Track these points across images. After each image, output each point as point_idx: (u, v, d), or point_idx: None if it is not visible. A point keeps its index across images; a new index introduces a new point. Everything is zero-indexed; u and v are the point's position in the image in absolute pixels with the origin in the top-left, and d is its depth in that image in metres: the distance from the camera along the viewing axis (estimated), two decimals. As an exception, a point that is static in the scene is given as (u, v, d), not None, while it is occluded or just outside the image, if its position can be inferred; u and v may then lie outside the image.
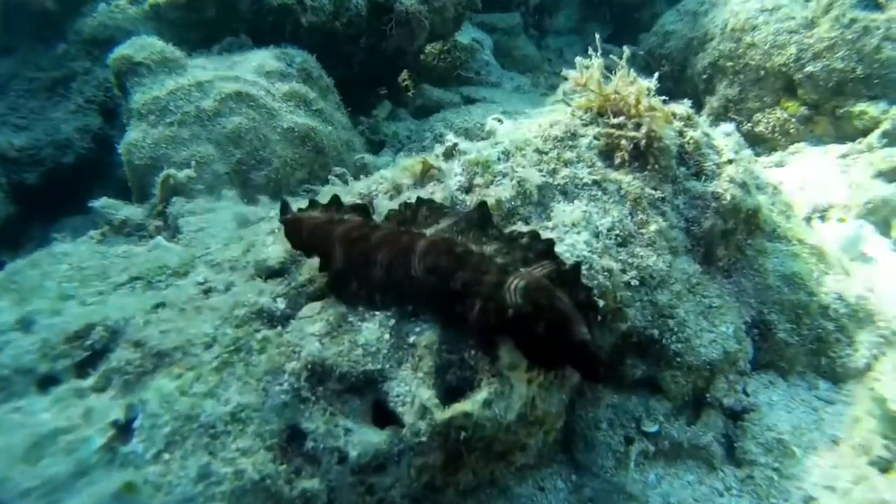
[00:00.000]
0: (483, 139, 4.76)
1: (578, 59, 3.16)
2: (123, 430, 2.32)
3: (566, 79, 3.21)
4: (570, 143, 3.04)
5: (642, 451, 2.95)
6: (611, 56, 3.06)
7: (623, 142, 3.00)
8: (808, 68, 5.35)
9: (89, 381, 2.60)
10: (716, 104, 6.03)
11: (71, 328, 2.77)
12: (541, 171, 2.94)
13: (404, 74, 7.44)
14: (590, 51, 3.14)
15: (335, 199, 2.68)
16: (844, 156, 5.14)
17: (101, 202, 4.12)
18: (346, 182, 4.55)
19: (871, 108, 5.19)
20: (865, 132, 5.23)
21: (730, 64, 5.89)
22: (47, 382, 2.68)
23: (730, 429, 3.11)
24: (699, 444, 2.99)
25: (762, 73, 5.67)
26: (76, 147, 5.51)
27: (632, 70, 3.00)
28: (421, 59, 7.42)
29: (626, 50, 3.06)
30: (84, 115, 5.60)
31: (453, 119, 5.75)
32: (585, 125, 3.14)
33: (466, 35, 7.59)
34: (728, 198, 3.10)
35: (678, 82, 6.66)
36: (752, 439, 3.02)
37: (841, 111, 5.34)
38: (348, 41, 5.83)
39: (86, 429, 2.36)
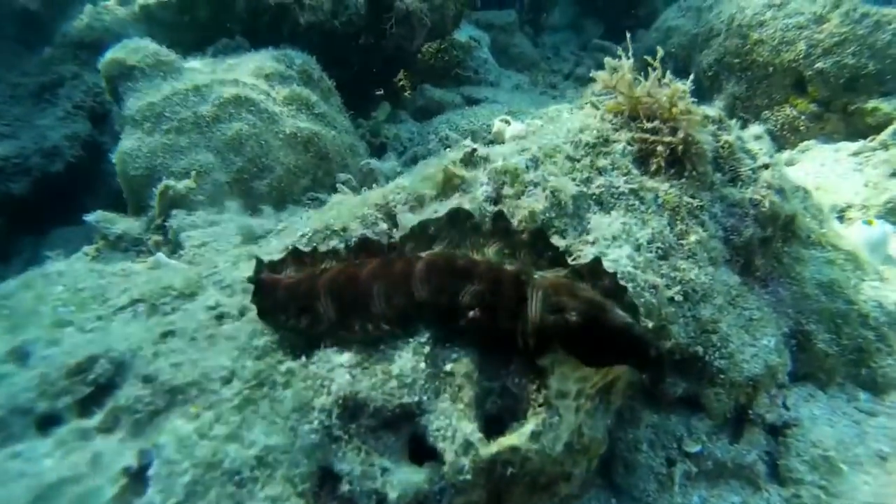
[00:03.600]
0: (491, 142, 4.58)
1: (608, 60, 3.00)
2: (136, 478, 2.11)
3: (595, 80, 3.05)
4: (604, 149, 2.88)
5: (685, 472, 2.81)
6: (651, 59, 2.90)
7: (659, 147, 2.85)
8: (819, 64, 5.26)
9: (94, 421, 2.38)
10: (722, 102, 5.92)
11: (72, 361, 2.54)
12: (574, 179, 2.77)
13: (401, 75, 7.23)
14: (619, 51, 2.98)
15: (296, 252, 2.49)
16: (857, 153, 5.05)
17: (95, 215, 3.87)
18: (353, 189, 4.35)
19: (885, 105, 5.11)
20: (878, 129, 5.14)
21: (736, 61, 5.78)
22: (47, 422, 2.45)
23: (771, 445, 2.99)
24: (743, 463, 2.86)
25: (770, 69, 5.56)
26: (65, 155, 5.21)
27: (668, 72, 2.84)
28: (418, 58, 7.22)
29: (660, 50, 2.90)
30: (73, 121, 5.30)
31: (458, 121, 5.56)
32: (617, 129, 2.98)
33: (463, 33, 7.39)
34: (767, 204, 2.97)
35: (682, 80, 6.54)
36: (796, 456, 2.90)
37: (852, 108, 5.26)
38: (346, 41, 5.62)
39: (95, 478, 2.14)
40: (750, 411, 2.92)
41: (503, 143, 4.43)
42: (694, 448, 2.82)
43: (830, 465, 2.85)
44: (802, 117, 5.52)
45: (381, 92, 6.89)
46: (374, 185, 4.11)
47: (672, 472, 2.76)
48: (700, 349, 2.73)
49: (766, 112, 5.69)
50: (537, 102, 6.25)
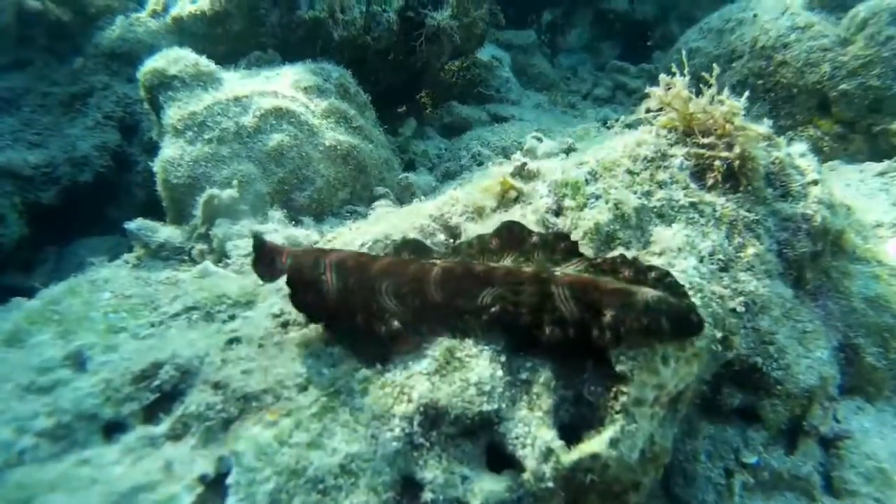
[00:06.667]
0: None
1: (662, 77, 3.06)
2: (213, 486, 2.08)
3: (649, 96, 3.10)
4: (662, 163, 2.92)
5: (743, 483, 2.81)
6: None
7: (716, 162, 2.90)
8: (843, 86, 5.38)
9: (162, 428, 2.35)
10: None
11: (136, 367, 2.52)
12: (635, 192, 2.81)
13: (423, 92, 7.30)
14: (673, 68, 3.05)
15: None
16: (882, 173, 5.14)
17: (136, 223, 3.86)
18: (392, 202, 4.37)
19: (909, 126, 5.22)
20: (902, 150, 5.25)
21: (760, 82, 5.90)
22: (112, 429, 2.42)
23: (823, 457, 3.00)
24: (799, 474, 2.86)
25: (794, 90, 5.68)
26: (94, 165, 5.21)
27: (726, 90, 2.90)
28: (440, 75, 7.30)
29: (716, 68, 2.97)
30: (102, 131, 5.31)
31: (489, 137, 5.61)
32: (672, 145, 3.03)
33: (486, 52, 7.49)
34: (819, 219, 3.01)
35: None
36: (850, 468, 2.91)
37: (877, 129, 5.37)
38: (377, 56, 5.69)
39: (169, 485, 2.12)
40: (804, 423, 2.92)
41: (536, 159, 4.48)
42: (751, 459, 2.82)
43: (885, 477, 2.86)
44: (826, 138, 5.62)
45: (404, 109, 6.94)
46: (413, 199, 4.14)
47: (731, 482, 2.76)
48: (759, 360, 2.75)
49: (790, 133, 5.79)
50: (562, 121, 6.33)
